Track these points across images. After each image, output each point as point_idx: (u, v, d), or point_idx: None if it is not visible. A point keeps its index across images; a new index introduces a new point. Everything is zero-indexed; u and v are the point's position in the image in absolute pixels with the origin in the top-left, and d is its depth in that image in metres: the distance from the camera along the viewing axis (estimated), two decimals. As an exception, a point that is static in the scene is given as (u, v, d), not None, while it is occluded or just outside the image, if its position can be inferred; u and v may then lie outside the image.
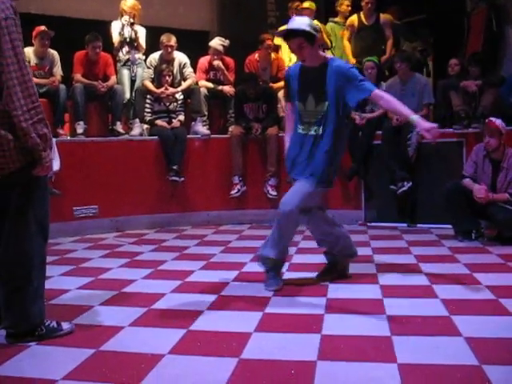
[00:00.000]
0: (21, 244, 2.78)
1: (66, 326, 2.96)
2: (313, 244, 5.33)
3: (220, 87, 7.01)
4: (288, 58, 7.70)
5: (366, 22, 7.20)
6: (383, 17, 7.19)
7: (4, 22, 2.60)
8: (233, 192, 6.50)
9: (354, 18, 7.30)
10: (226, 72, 7.02)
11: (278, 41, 7.70)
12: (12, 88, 2.60)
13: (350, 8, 7.54)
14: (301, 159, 3.69)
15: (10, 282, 2.78)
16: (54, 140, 5.81)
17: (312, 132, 3.64)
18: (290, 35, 3.56)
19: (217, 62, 7.01)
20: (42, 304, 2.88)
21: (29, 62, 6.30)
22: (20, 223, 2.78)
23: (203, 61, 7.13)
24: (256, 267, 4.05)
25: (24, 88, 2.63)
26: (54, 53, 6.55)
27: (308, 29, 3.49)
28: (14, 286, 2.78)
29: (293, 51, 3.73)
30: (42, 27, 6.34)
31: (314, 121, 3.62)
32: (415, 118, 3.46)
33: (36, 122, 2.65)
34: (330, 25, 7.67)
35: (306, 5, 7.39)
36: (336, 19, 7.73)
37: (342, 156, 3.93)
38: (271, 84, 7.17)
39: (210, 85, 7.01)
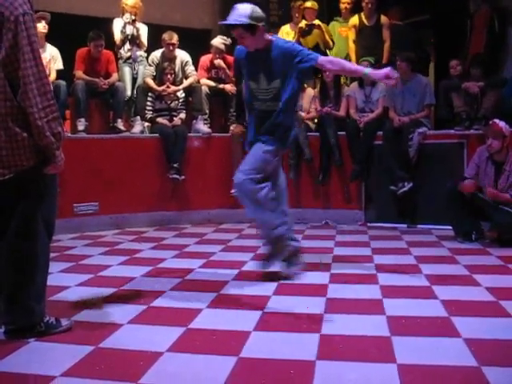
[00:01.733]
0: (27, 243, 2.77)
1: (64, 322, 2.96)
2: (313, 244, 5.35)
3: (221, 85, 7.01)
4: None
5: (366, 23, 7.19)
6: (383, 18, 7.18)
7: (22, 18, 2.60)
8: (234, 190, 6.47)
9: (355, 19, 7.29)
10: (227, 70, 7.01)
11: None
12: (28, 85, 2.59)
13: (349, 6, 7.50)
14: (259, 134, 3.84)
15: (15, 279, 2.78)
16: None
17: (267, 108, 3.79)
18: (230, 26, 3.69)
19: (218, 61, 7.01)
20: (43, 302, 2.88)
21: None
22: (28, 222, 2.77)
23: (205, 59, 7.13)
24: (255, 266, 4.05)
25: (40, 85, 2.62)
26: (54, 48, 6.54)
27: (247, 21, 3.56)
28: (18, 284, 2.77)
29: (236, 38, 3.80)
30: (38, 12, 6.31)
31: (269, 97, 3.77)
32: (367, 71, 3.74)
33: (51, 120, 2.65)
34: (332, 23, 7.66)
35: (308, 4, 7.38)
36: (339, 18, 7.72)
37: (294, 123, 4.06)
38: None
39: (212, 83, 7.00)
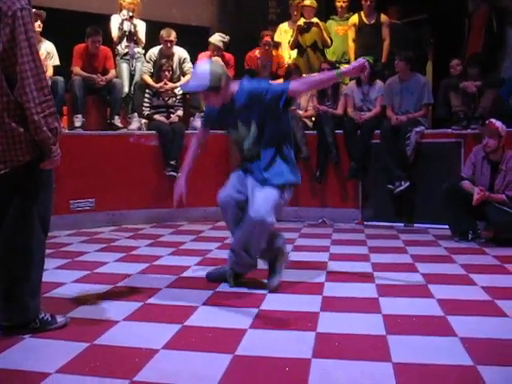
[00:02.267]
0: (23, 239, 2.76)
1: (60, 319, 2.95)
2: (309, 242, 5.35)
3: None
4: (288, 54, 7.70)
5: (366, 21, 7.19)
6: (383, 17, 7.18)
7: (19, 13, 2.59)
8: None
9: (355, 18, 7.28)
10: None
11: (277, 37, 7.70)
12: (25, 80, 2.58)
13: (346, 4, 7.49)
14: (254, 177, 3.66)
15: (10, 275, 2.77)
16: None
17: (257, 152, 3.62)
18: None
19: (216, 59, 6.98)
20: (38, 298, 2.87)
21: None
22: (23, 218, 2.76)
23: (203, 56, 7.11)
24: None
25: (37, 80, 2.61)
26: (50, 44, 6.53)
27: (207, 84, 3.41)
28: (13, 280, 2.76)
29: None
30: (33, 10, 6.29)
31: (254, 141, 3.61)
32: (338, 72, 3.58)
33: (47, 115, 2.64)
34: (328, 22, 7.64)
35: (307, 2, 7.38)
36: (335, 16, 7.70)
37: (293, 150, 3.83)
38: (271, 81, 7.14)
39: None
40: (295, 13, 7.66)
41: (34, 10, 6.15)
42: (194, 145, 4.01)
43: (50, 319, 2.91)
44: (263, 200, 3.49)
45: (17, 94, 2.60)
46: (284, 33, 7.74)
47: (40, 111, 2.60)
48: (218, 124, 3.90)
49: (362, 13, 7.20)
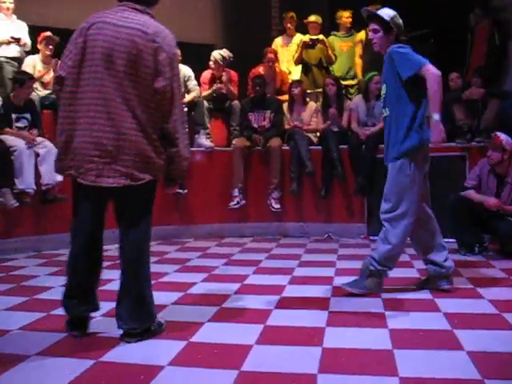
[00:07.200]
0: (147, 244, 3.02)
1: (162, 320, 3.13)
2: (315, 257, 5.32)
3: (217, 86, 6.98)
4: (287, 70, 7.74)
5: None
6: None
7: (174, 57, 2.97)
8: (231, 204, 6.46)
9: (361, 34, 7.33)
10: (229, 87, 7.00)
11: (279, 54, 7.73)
12: (178, 114, 2.89)
13: (350, 19, 7.54)
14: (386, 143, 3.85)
15: (140, 280, 2.95)
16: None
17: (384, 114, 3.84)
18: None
19: (224, 77, 6.98)
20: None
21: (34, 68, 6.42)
22: (148, 224, 3.01)
23: (206, 74, 7.17)
24: (258, 280, 4.03)
25: (183, 113, 2.98)
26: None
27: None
28: (143, 285, 2.95)
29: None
30: (48, 33, 6.54)
31: (384, 104, 3.85)
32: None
33: (187, 145, 2.98)
34: (330, 37, 7.68)
35: (312, 18, 7.43)
36: (337, 32, 7.75)
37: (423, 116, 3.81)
38: (276, 97, 7.19)
39: (209, 91, 6.99)
40: (289, 25, 7.74)
41: (48, 33, 6.39)
42: None
43: (160, 321, 3.09)
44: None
45: (172, 125, 2.89)
46: (280, 47, 7.80)
47: (186, 144, 2.95)
48: None
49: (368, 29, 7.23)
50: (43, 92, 6.52)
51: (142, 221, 2.97)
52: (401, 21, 3.83)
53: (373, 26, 3.86)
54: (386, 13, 3.79)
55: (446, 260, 3.88)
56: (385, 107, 3.83)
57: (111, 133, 2.76)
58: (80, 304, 3.01)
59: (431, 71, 3.55)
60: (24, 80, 5.85)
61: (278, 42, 7.88)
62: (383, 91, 3.85)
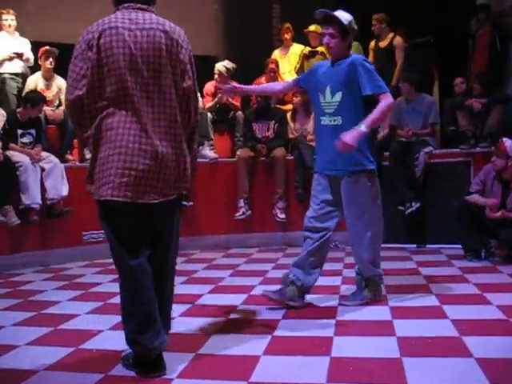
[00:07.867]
0: (175, 257, 2.93)
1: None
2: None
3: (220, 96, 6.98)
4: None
5: (380, 45, 7.25)
6: (397, 39, 7.21)
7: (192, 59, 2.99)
8: (237, 214, 6.47)
9: (372, 42, 7.37)
10: (231, 100, 7.01)
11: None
12: (197, 122, 3.04)
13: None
14: (330, 153, 3.70)
15: (168, 291, 2.91)
16: (62, 165, 5.92)
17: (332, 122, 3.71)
18: None
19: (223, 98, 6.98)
20: None
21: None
22: (177, 237, 2.89)
23: (209, 86, 7.19)
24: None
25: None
26: (62, 80, 6.65)
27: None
28: (170, 297, 2.93)
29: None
30: (46, 47, 6.59)
31: (331, 111, 3.69)
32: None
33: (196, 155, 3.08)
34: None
35: (312, 28, 7.45)
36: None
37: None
38: (279, 107, 7.21)
39: (212, 103, 7.02)
40: (286, 36, 7.77)
41: (47, 47, 6.44)
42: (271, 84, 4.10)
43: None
44: None
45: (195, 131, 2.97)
46: (279, 58, 7.82)
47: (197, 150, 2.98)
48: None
49: (377, 37, 7.28)
50: (47, 108, 6.55)
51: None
52: (356, 26, 3.70)
53: (329, 29, 3.65)
54: (344, 16, 3.62)
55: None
56: (336, 115, 3.68)
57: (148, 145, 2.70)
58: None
59: (391, 99, 3.59)
60: (38, 102, 5.91)
61: (276, 53, 7.91)
62: (336, 98, 3.66)
